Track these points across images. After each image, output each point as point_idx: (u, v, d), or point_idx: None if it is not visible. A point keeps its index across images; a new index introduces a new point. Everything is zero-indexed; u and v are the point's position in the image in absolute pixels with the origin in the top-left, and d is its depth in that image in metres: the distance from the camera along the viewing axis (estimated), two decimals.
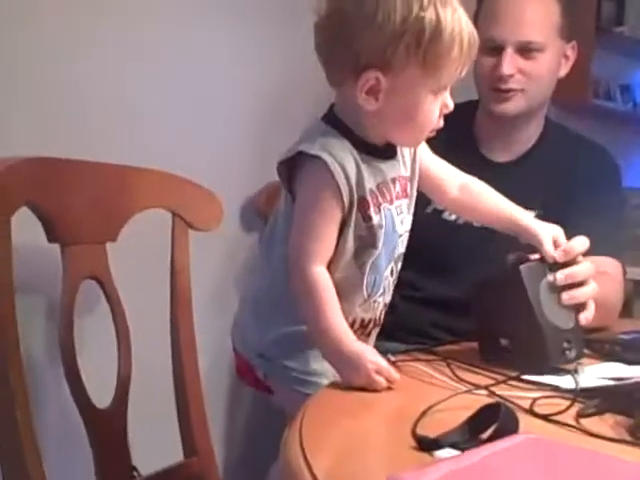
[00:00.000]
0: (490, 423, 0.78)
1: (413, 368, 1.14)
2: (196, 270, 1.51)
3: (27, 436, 1.10)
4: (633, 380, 0.98)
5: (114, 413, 1.29)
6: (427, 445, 0.77)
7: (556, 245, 1.21)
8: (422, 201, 1.64)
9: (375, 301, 1.18)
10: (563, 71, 1.65)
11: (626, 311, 2.55)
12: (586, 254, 1.50)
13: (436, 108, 1.09)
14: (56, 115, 1.55)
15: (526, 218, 1.28)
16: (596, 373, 1.12)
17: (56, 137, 1.51)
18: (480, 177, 1.64)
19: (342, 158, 1.06)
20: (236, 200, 1.89)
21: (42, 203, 1.18)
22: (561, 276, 1.16)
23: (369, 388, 1.00)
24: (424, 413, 0.87)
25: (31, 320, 1.41)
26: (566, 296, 1.16)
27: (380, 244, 1.13)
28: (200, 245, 1.53)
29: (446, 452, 0.73)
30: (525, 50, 1.55)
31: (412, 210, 1.21)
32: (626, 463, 0.69)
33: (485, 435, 0.77)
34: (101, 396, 1.31)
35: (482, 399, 0.93)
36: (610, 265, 1.58)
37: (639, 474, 0.66)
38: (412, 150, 1.20)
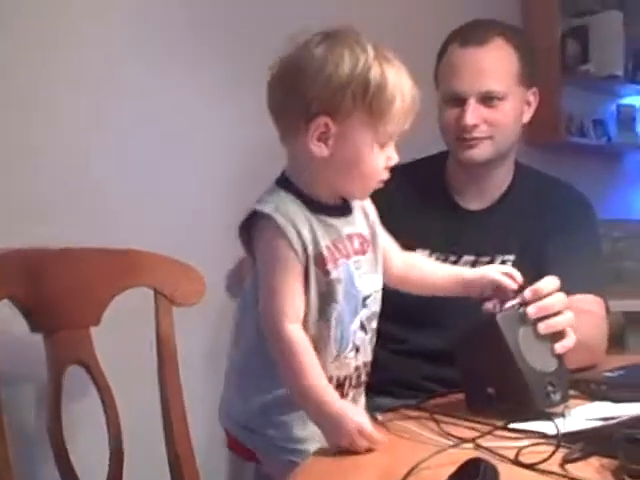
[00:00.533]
0: (472, 478, 0.79)
1: (400, 426, 1.14)
2: (183, 345, 1.51)
3: None
4: (615, 420, 0.98)
5: None
6: None
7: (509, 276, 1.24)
8: None
9: (346, 357, 1.18)
10: (526, 116, 1.69)
11: (618, 344, 2.56)
12: (566, 294, 1.53)
13: (381, 159, 1.13)
14: (23, 201, 1.57)
15: (467, 271, 1.33)
16: (583, 414, 1.13)
17: (26, 223, 1.53)
18: (455, 225, 1.68)
19: (293, 216, 1.10)
20: (219, 270, 1.91)
21: (22, 295, 1.19)
22: (532, 309, 1.17)
23: (351, 449, 1.00)
24: (410, 472, 0.88)
25: (19, 409, 1.41)
26: (542, 325, 1.17)
27: (340, 298, 1.14)
28: (186, 319, 1.54)
29: None
30: (487, 99, 1.59)
31: (380, 269, 1.22)
32: None
33: None
34: (94, 478, 1.30)
35: (469, 453, 0.94)
36: (592, 303, 1.59)
37: None
38: (366, 210, 1.22)
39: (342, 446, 1.01)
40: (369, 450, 1.00)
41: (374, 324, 1.23)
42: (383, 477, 0.89)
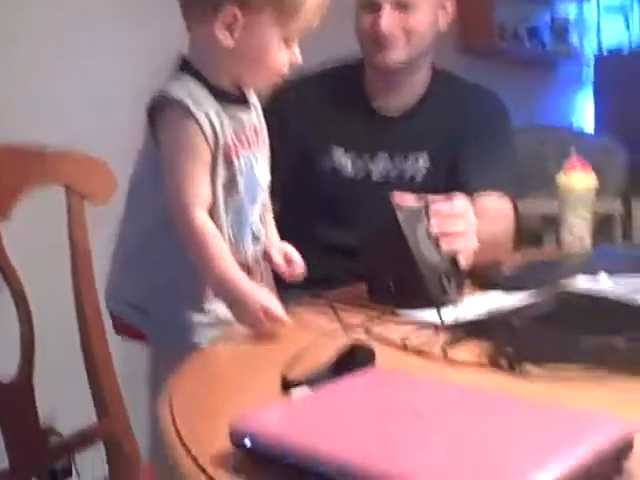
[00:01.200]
0: (351, 361, 0.83)
1: (299, 314, 1.17)
2: (99, 243, 1.51)
3: None
4: (500, 308, 1.03)
5: (19, 386, 1.31)
6: (290, 386, 0.81)
7: (286, 259, 1.27)
8: (317, 155, 1.70)
9: (246, 247, 1.21)
10: (442, 22, 1.70)
11: (536, 245, 2.65)
12: (478, 192, 1.57)
13: (285, 56, 1.14)
14: None
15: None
16: (475, 304, 1.18)
17: None
18: (372, 130, 1.71)
19: (203, 102, 1.11)
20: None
21: None
22: (434, 226, 1.21)
23: (256, 330, 1.04)
24: (297, 356, 0.91)
25: None
26: (445, 244, 1.21)
27: (242, 189, 1.16)
28: (100, 219, 1.53)
29: (300, 390, 0.77)
30: (401, 6, 1.61)
31: (267, 165, 1.25)
32: (453, 387, 0.74)
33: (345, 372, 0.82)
34: (6, 371, 1.32)
35: (359, 338, 0.98)
36: (501, 204, 1.64)
37: (465, 398, 0.70)
38: (255, 102, 1.23)
39: (247, 326, 1.05)
40: (273, 334, 1.04)
41: (269, 217, 1.29)
42: (272, 363, 0.92)
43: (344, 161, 1.70)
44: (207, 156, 1.11)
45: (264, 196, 1.25)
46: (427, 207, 1.22)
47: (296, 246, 1.47)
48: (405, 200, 1.23)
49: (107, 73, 2.01)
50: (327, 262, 1.72)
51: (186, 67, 1.16)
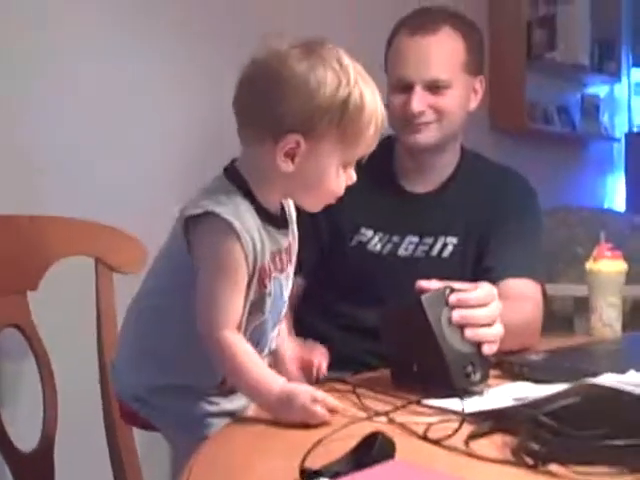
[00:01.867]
0: (372, 452, 0.82)
1: None
2: (123, 312, 1.53)
3: None
4: (521, 401, 1.01)
5: (39, 456, 1.31)
6: (308, 476, 0.80)
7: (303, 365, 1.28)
8: (347, 234, 1.71)
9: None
10: (473, 104, 1.72)
11: (568, 328, 2.61)
12: (505, 277, 1.56)
13: (343, 179, 1.13)
14: None
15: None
16: (501, 394, 1.16)
17: None
18: (400, 207, 1.71)
19: (250, 226, 1.08)
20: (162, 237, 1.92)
21: None
22: (456, 316, 1.18)
23: (311, 421, 1.01)
24: (317, 444, 0.90)
25: None
26: (469, 332, 1.19)
27: (267, 311, 1.15)
28: (128, 290, 1.55)
29: None
30: (433, 87, 1.62)
31: (293, 271, 1.22)
32: None
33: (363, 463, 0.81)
34: (27, 442, 1.32)
35: (382, 427, 0.97)
36: (529, 287, 1.63)
37: None
38: (291, 212, 1.21)
39: (299, 420, 1.02)
40: (326, 421, 1.02)
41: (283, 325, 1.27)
42: (291, 448, 0.91)
43: (372, 238, 1.71)
44: (244, 279, 1.08)
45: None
46: (450, 294, 1.20)
47: (320, 324, 1.47)
48: (429, 286, 1.23)
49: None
50: (351, 342, 1.71)
51: (235, 177, 1.13)
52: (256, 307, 1.13)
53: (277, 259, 1.15)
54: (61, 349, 1.42)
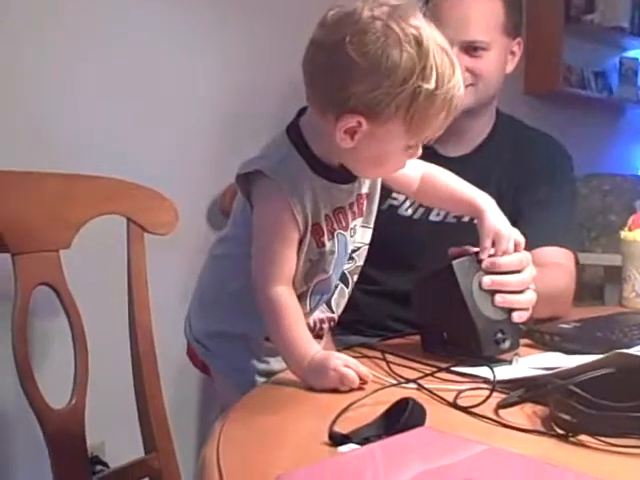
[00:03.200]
0: (402, 418, 0.82)
1: None
2: (156, 274, 1.54)
3: None
4: (555, 370, 1.00)
5: (70, 414, 1.33)
6: (337, 441, 0.80)
7: (493, 244, 1.21)
8: (379, 200, 1.69)
9: (312, 312, 1.21)
10: (510, 67, 1.69)
11: (598, 297, 2.59)
12: (538, 245, 1.54)
13: (405, 158, 1.10)
14: (3, 125, 1.58)
15: (485, 204, 1.27)
16: (531, 363, 1.15)
17: (4, 149, 1.54)
18: None
19: (300, 185, 1.07)
20: (197, 201, 1.92)
21: None
22: (487, 281, 1.17)
23: (342, 387, 1.01)
24: (346, 409, 0.90)
25: None
26: (499, 298, 1.17)
27: (331, 269, 1.15)
28: (160, 249, 1.56)
29: (347, 447, 0.76)
30: (471, 49, 1.59)
31: (372, 224, 1.22)
32: (505, 452, 0.72)
33: (394, 429, 0.81)
34: (59, 399, 1.34)
35: (411, 393, 0.96)
36: (562, 255, 1.61)
37: (514, 464, 0.69)
38: None
39: (331, 386, 1.01)
40: (361, 385, 1.02)
41: (355, 277, 1.24)
42: (320, 411, 0.91)
43: (404, 202, 1.69)
44: (296, 237, 1.08)
45: (361, 257, 1.23)
46: (483, 259, 1.19)
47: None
48: (463, 252, 1.21)
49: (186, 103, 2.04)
50: (378, 308, 1.71)
51: (295, 134, 1.10)
52: (318, 265, 1.13)
53: (340, 215, 1.13)
54: (93, 308, 1.43)
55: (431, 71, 0.99)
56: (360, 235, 1.21)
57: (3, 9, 1.70)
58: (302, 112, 1.14)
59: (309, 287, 1.16)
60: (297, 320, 1.09)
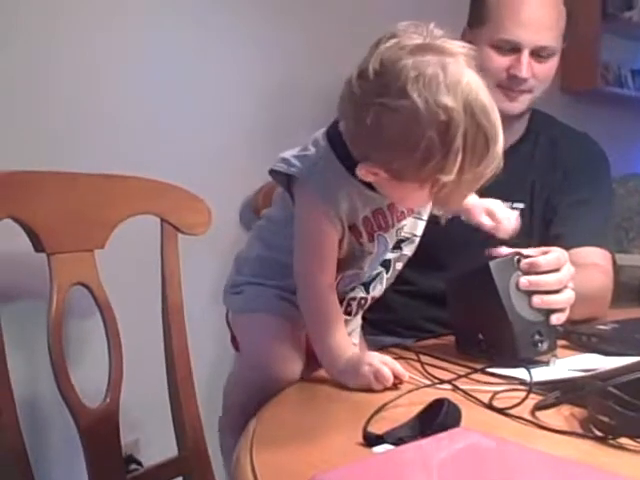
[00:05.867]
0: (437, 419, 0.81)
1: None
2: (190, 275, 1.54)
3: (13, 438, 1.15)
4: (593, 372, 0.99)
5: (105, 413, 1.33)
6: (372, 441, 0.79)
7: (491, 216, 1.23)
8: None
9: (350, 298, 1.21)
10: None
11: (636, 298, 2.55)
12: (575, 245, 1.52)
13: (429, 197, 1.02)
14: (42, 126, 1.60)
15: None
16: (569, 365, 1.14)
17: (41, 150, 1.56)
18: None
19: (335, 189, 1.06)
20: (231, 202, 1.92)
21: (24, 216, 1.22)
22: (525, 282, 1.15)
23: (376, 385, 1.01)
24: (380, 409, 0.90)
25: (19, 326, 1.45)
26: (537, 300, 1.16)
27: (366, 266, 1.16)
28: (194, 250, 1.56)
29: (382, 448, 0.76)
30: (539, 54, 1.56)
31: (425, 215, 1.22)
32: (544, 455, 0.71)
33: (429, 430, 0.80)
34: (93, 398, 1.35)
35: (445, 394, 0.95)
36: (599, 256, 1.59)
37: (551, 466, 0.67)
38: None
39: (365, 384, 1.01)
40: (396, 384, 1.02)
41: (399, 266, 1.24)
42: (355, 411, 0.91)
43: None
44: (333, 239, 1.09)
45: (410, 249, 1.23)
46: (520, 259, 1.17)
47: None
48: (499, 252, 1.20)
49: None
50: (412, 309, 1.70)
51: (335, 136, 1.07)
52: (354, 262, 1.14)
53: (379, 217, 1.13)
54: (127, 307, 1.44)
55: (455, 159, 0.92)
56: (410, 226, 1.19)
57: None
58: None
59: (340, 275, 1.15)
60: (338, 320, 1.09)
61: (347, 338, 1.09)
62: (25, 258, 1.29)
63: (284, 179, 1.11)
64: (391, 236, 1.17)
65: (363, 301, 1.23)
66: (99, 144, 1.74)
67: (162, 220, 1.48)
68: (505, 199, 1.64)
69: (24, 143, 1.63)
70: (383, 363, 1.02)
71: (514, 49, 1.55)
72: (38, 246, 1.26)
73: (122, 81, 1.82)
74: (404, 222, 1.18)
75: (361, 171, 1.01)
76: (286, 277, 1.14)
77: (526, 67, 1.55)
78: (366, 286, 1.24)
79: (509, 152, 1.68)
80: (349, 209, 1.08)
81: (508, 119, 1.63)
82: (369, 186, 1.07)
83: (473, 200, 1.25)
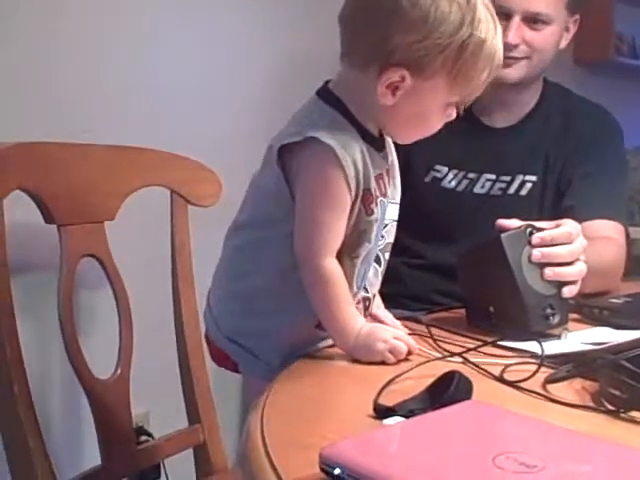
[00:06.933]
0: (448, 392, 0.81)
1: None
2: (200, 247, 1.54)
3: (24, 408, 1.15)
4: (605, 345, 0.98)
5: (115, 384, 1.34)
6: (382, 413, 0.79)
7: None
8: (420, 170, 1.67)
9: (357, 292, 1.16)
10: (563, 43, 1.64)
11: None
12: (587, 218, 1.51)
13: (443, 117, 1.08)
14: (54, 98, 1.59)
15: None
16: (581, 338, 1.13)
17: (53, 120, 1.55)
18: (477, 143, 1.66)
19: (352, 148, 1.04)
20: (241, 174, 1.91)
21: (34, 187, 1.22)
22: (537, 254, 1.14)
23: (390, 359, 1.01)
24: (391, 381, 0.90)
25: (30, 297, 1.46)
26: (549, 272, 1.15)
27: (372, 237, 1.11)
28: (203, 222, 1.56)
29: (393, 420, 0.75)
30: (532, 21, 1.54)
31: (398, 199, 1.20)
32: (555, 428, 0.70)
33: (440, 402, 0.79)
34: (104, 370, 1.36)
35: (456, 367, 0.95)
36: (612, 229, 1.58)
37: (563, 439, 0.67)
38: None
39: (379, 358, 1.01)
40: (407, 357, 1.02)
41: (387, 255, 1.20)
42: (365, 383, 0.91)
43: (447, 175, 1.67)
44: (347, 205, 1.04)
45: (390, 234, 1.19)
46: (532, 232, 1.16)
47: (394, 261, 1.45)
48: (510, 224, 1.19)
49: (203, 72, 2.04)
50: (422, 281, 1.70)
51: (331, 99, 1.07)
52: (363, 236, 1.09)
53: (380, 182, 1.11)
54: (137, 279, 1.44)
55: (479, 23, 0.99)
56: (390, 212, 1.17)
57: None
58: (326, 83, 1.11)
59: (355, 263, 1.11)
60: (345, 294, 1.06)
61: (356, 312, 1.07)
62: (36, 229, 1.28)
63: (286, 158, 1.05)
64: (387, 204, 1.14)
65: (367, 302, 1.20)
66: (110, 116, 1.73)
67: (172, 191, 1.47)
68: (518, 171, 1.65)
69: (34, 115, 1.62)
70: (396, 338, 1.02)
71: (506, 16, 1.53)
72: (48, 217, 1.26)
73: (133, 54, 1.81)
74: (390, 197, 1.15)
75: (385, 83, 1.01)
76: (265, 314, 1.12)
77: (514, 33, 1.53)
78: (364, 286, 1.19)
79: (522, 124, 1.70)
80: (364, 169, 1.05)
81: (517, 89, 1.62)
82: (372, 142, 1.08)
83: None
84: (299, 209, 1.05)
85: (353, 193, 1.04)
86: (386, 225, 1.16)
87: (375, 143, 1.10)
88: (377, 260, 1.18)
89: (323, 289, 1.05)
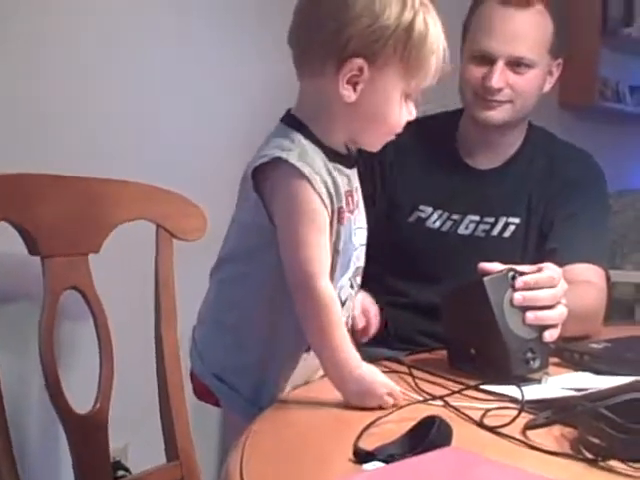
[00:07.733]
0: (428, 437, 0.81)
1: None
2: (183, 282, 1.53)
3: (1, 441, 1.14)
4: (584, 392, 0.99)
5: (94, 418, 1.33)
6: (362, 457, 0.79)
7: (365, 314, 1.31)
8: (405, 210, 1.68)
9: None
10: (547, 87, 1.66)
11: (629, 315, 2.56)
12: (569, 261, 1.52)
13: (404, 112, 1.11)
14: (39, 131, 1.59)
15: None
16: (561, 383, 1.14)
17: (37, 153, 1.56)
18: (462, 184, 1.68)
19: (318, 166, 1.06)
20: (227, 208, 1.92)
21: (18, 218, 1.22)
22: (519, 297, 1.15)
23: (387, 403, 1.00)
24: (371, 424, 0.89)
25: (11, 328, 1.45)
26: (531, 315, 1.16)
27: (340, 249, 1.11)
28: (187, 257, 1.56)
29: (372, 465, 0.75)
30: (515, 65, 1.57)
31: (365, 223, 1.20)
32: (534, 477, 0.71)
33: (420, 448, 0.79)
34: (83, 403, 1.34)
35: (437, 410, 0.95)
36: (593, 273, 1.59)
37: None
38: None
39: (368, 406, 1.00)
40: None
41: (359, 279, 1.21)
42: (345, 426, 0.91)
43: (432, 215, 1.68)
44: (325, 220, 1.06)
45: (360, 258, 1.19)
46: (515, 276, 1.17)
47: (376, 300, 1.46)
48: (492, 268, 1.20)
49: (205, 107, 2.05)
50: (407, 320, 1.70)
51: (293, 122, 1.11)
52: (332, 249, 1.10)
53: (349, 199, 1.12)
54: (120, 313, 1.44)
55: (420, 9, 1.06)
56: (358, 237, 1.17)
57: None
58: (288, 111, 1.14)
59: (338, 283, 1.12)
60: (342, 324, 1.06)
61: (352, 346, 1.06)
62: (20, 260, 1.28)
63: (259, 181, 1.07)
64: (352, 224, 1.14)
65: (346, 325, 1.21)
66: (95, 149, 1.74)
67: (157, 225, 1.47)
68: (501, 213, 1.66)
69: (20, 146, 1.62)
70: (390, 395, 1.01)
71: (490, 60, 1.57)
72: (33, 249, 1.26)
73: (118, 86, 1.81)
74: (356, 210, 1.15)
75: (345, 77, 1.05)
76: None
77: (497, 77, 1.56)
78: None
79: (505, 166, 1.71)
80: (334, 187, 1.08)
81: (500, 131, 1.65)
82: (339, 160, 1.10)
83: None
84: (282, 234, 1.06)
85: (329, 208, 1.07)
86: (356, 248, 1.17)
87: (343, 161, 1.12)
88: (350, 285, 1.19)
89: (323, 316, 1.03)
